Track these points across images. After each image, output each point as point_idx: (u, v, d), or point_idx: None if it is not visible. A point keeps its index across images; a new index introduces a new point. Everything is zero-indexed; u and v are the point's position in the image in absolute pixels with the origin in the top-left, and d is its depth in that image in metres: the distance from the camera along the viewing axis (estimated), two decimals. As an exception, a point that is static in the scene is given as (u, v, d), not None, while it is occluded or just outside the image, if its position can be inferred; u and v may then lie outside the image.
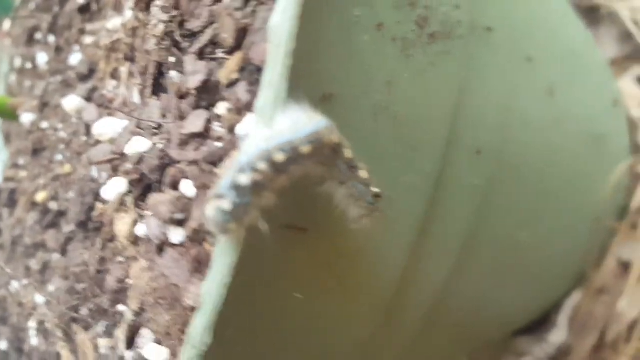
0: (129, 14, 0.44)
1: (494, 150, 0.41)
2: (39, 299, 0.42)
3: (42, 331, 0.41)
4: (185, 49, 0.29)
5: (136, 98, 0.36)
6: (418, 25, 0.31)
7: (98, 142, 0.39)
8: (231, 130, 0.25)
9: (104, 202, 0.35)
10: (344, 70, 0.28)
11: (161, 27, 0.29)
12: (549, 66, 0.49)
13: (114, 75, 0.42)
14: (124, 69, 0.40)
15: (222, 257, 0.24)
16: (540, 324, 0.71)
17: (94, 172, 0.38)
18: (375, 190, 0.28)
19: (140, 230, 0.30)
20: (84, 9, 0.49)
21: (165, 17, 0.29)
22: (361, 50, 0.28)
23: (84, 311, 0.35)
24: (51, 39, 0.51)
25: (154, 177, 0.29)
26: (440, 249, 0.40)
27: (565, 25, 0.55)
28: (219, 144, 0.26)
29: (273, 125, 0.23)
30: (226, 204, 0.23)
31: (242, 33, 0.26)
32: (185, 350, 0.25)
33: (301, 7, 0.23)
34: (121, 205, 0.32)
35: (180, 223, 0.27)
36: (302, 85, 0.24)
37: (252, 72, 0.25)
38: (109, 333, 0.32)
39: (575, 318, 0.70)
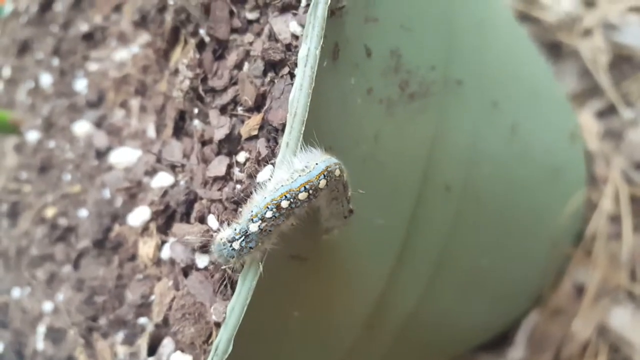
0: (135, 49, 0.52)
1: (460, 186, 0.51)
2: (48, 306, 0.50)
3: (51, 337, 0.49)
4: (208, 103, 0.38)
5: (151, 133, 0.44)
6: (400, 88, 0.41)
7: (110, 167, 0.47)
8: (250, 176, 0.34)
9: (122, 224, 0.43)
10: (341, 127, 0.37)
11: (187, 83, 0.38)
12: (512, 108, 0.59)
13: (123, 105, 0.50)
14: (134, 102, 0.48)
15: (245, 282, 0.32)
16: (500, 341, 0.82)
17: (107, 194, 0.46)
18: (351, 206, 0.37)
19: (165, 253, 0.38)
20: (88, 37, 0.57)
21: (190, 74, 0.38)
22: (354, 111, 0.37)
23: (102, 321, 0.43)
24: (55, 61, 0.58)
25: (180, 209, 0.37)
26: (413, 273, 0.49)
27: (528, 67, 0.66)
28: (239, 187, 0.35)
29: (284, 174, 0.32)
30: (236, 245, 0.32)
31: (261, 97, 0.35)
32: (210, 358, 0.34)
33: (312, 85, 0.32)
34: (144, 230, 0.40)
35: (206, 250, 0.35)
36: (311, 140, 0.33)
37: (269, 131, 0.34)
38: (129, 341, 0.40)
39: (533, 336, 0.80)
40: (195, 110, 0.39)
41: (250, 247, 0.32)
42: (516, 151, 0.60)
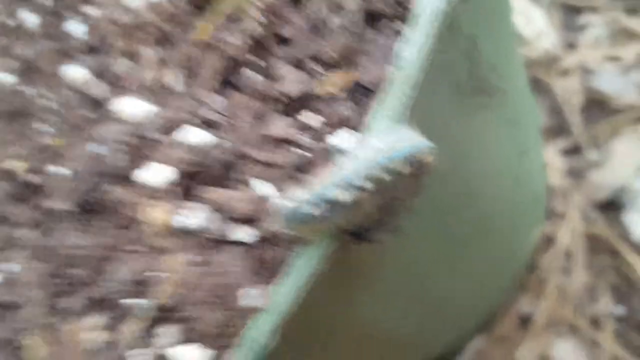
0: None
1: (477, 195, 0.46)
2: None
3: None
4: (276, 54, 0.30)
5: (178, 86, 0.35)
6: (471, 77, 0.35)
7: (111, 120, 0.38)
8: (322, 142, 0.27)
9: (122, 184, 0.34)
10: (423, 105, 0.30)
11: (256, 28, 0.30)
12: (523, 131, 0.55)
13: (134, 55, 0.41)
14: (151, 52, 0.39)
15: (304, 262, 0.25)
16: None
17: (103, 150, 0.37)
18: (400, 224, 0.30)
19: (184, 221, 0.29)
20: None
21: (262, 19, 0.30)
22: (435, 92, 0.31)
23: (76, 299, 0.33)
24: (47, 1, 0.48)
25: (216, 170, 0.29)
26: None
27: (529, 95, 0.63)
28: (305, 153, 0.27)
29: (379, 143, 0.25)
30: (316, 211, 0.24)
31: (351, 54, 0.28)
32: (240, 351, 0.25)
33: (432, 44, 0.25)
34: (156, 193, 0.31)
35: (249, 222, 0.27)
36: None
37: (358, 92, 0.27)
38: (112, 326, 0.31)
39: (476, 361, 0.76)
40: (257, 61, 0.30)
41: (329, 219, 0.24)
42: (517, 175, 0.56)
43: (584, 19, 0.79)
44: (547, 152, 0.79)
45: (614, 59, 0.75)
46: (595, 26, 0.77)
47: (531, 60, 0.78)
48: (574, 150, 0.77)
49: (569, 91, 0.76)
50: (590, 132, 0.76)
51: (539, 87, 0.79)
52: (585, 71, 0.76)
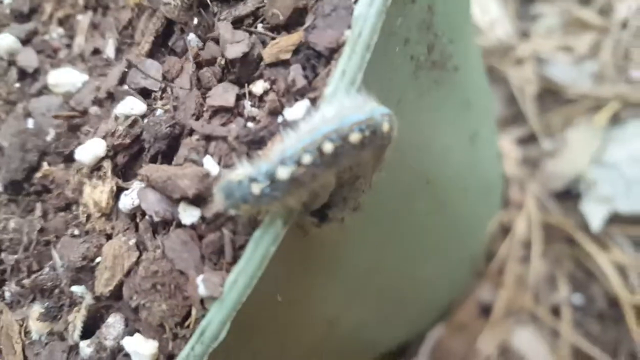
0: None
1: (435, 183, 0.44)
2: None
3: None
4: (215, 14, 0.27)
5: (109, 52, 0.32)
6: (428, 50, 0.32)
7: (40, 92, 0.34)
8: (272, 113, 0.24)
9: (54, 162, 0.31)
10: (379, 72, 0.28)
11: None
12: (475, 114, 0.53)
13: (64, 22, 0.37)
14: (82, 18, 0.36)
15: (259, 246, 0.22)
16: (401, 352, 0.75)
17: (31, 124, 0.33)
18: (360, 201, 0.28)
19: (125, 202, 0.26)
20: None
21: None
22: (391, 60, 0.28)
23: (10, 287, 0.29)
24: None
25: (157, 145, 0.26)
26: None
27: (484, 79, 0.61)
28: (253, 125, 0.24)
29: (329, 112, 0.23)
30: (256, 189, 0.22)
31: (299, 13, 0.25)
32: (190, 345, 0.23)
33: (387, 2, 0.23)
34: (94, 171, 0.28)
35: (196, 202, 0.24)
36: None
37: (308, 57, 0.24)
38: (50, 316, 0.28)
39: (436, 350, 0.74)
40: (195, 22, 0.27)
41: (274, 197, 0.22)
42: (470, 160, 0.54)
43: (537, 8, 0.78)
44: (503, 141, 0.78)
45: (567, 48, 0.74)
46: (549, 16, 0.77)
47: (486, 49, 0.77)
48: (529, 139, 0.76)
49: (523, 80, 0.75)
50: (545, 121, 0.75)
51: (494, 76, 0.77)
52: (539, 60, 0.76)
